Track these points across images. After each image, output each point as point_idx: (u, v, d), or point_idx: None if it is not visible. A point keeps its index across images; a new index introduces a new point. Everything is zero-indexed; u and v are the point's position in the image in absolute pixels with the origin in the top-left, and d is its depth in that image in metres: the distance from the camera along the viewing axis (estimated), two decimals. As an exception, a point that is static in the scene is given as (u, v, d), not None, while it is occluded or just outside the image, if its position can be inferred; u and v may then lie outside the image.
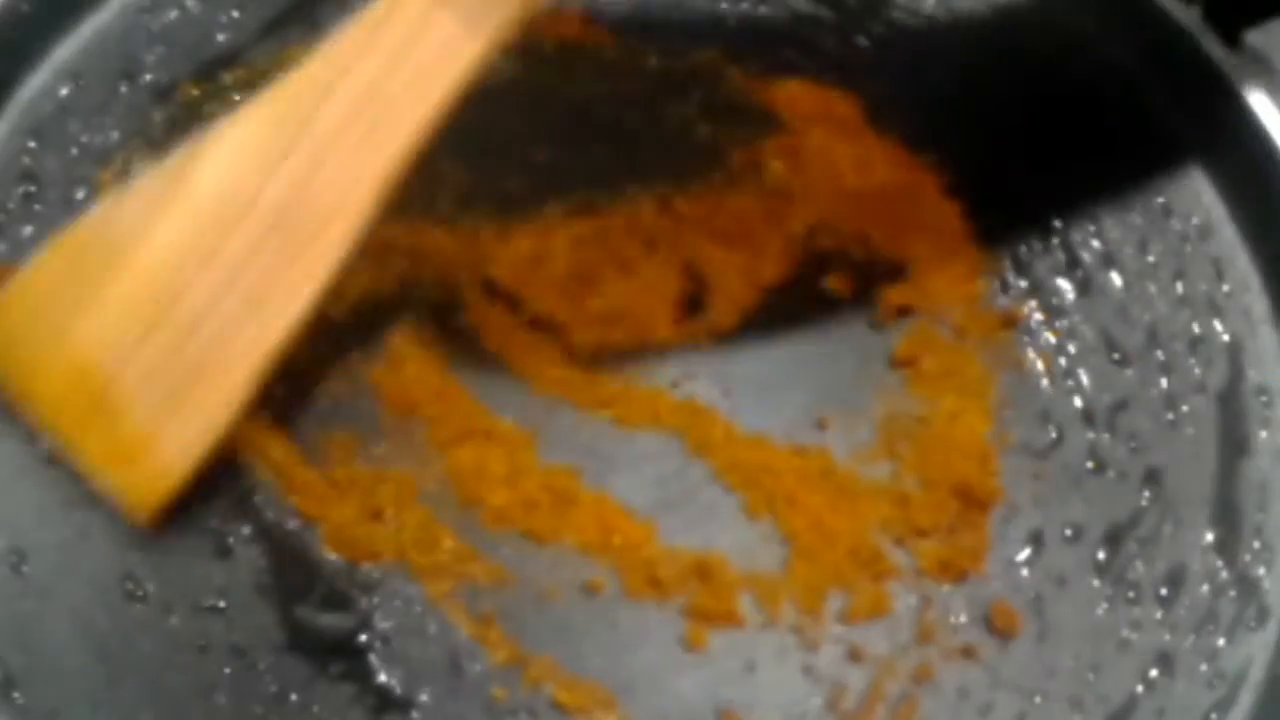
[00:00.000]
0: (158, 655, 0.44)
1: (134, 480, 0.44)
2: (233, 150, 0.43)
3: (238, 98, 0.51)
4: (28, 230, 0.49)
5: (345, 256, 0.43)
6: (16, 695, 0.43)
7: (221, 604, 0.45)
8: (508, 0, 0.42)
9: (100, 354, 0.43)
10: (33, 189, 0.50)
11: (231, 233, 0.42)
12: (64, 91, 0.51)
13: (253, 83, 0.52)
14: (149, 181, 0.43)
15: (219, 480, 0.46)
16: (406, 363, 0.48)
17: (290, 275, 0.43)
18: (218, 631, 0.44)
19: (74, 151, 0.50)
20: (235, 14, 0.53)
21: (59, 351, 0.43)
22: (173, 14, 0.53)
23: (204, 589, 0.45)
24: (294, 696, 0.44)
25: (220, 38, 0.52)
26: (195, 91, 0.52)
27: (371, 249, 0.49)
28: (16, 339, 0.44)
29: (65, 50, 0.52)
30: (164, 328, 0.42)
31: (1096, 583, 0.47)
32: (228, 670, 0.44)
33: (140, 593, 0.45)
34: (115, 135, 0.51)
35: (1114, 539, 0.47)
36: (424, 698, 0.44)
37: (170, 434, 0.43)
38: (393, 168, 0.43)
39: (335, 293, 0.48)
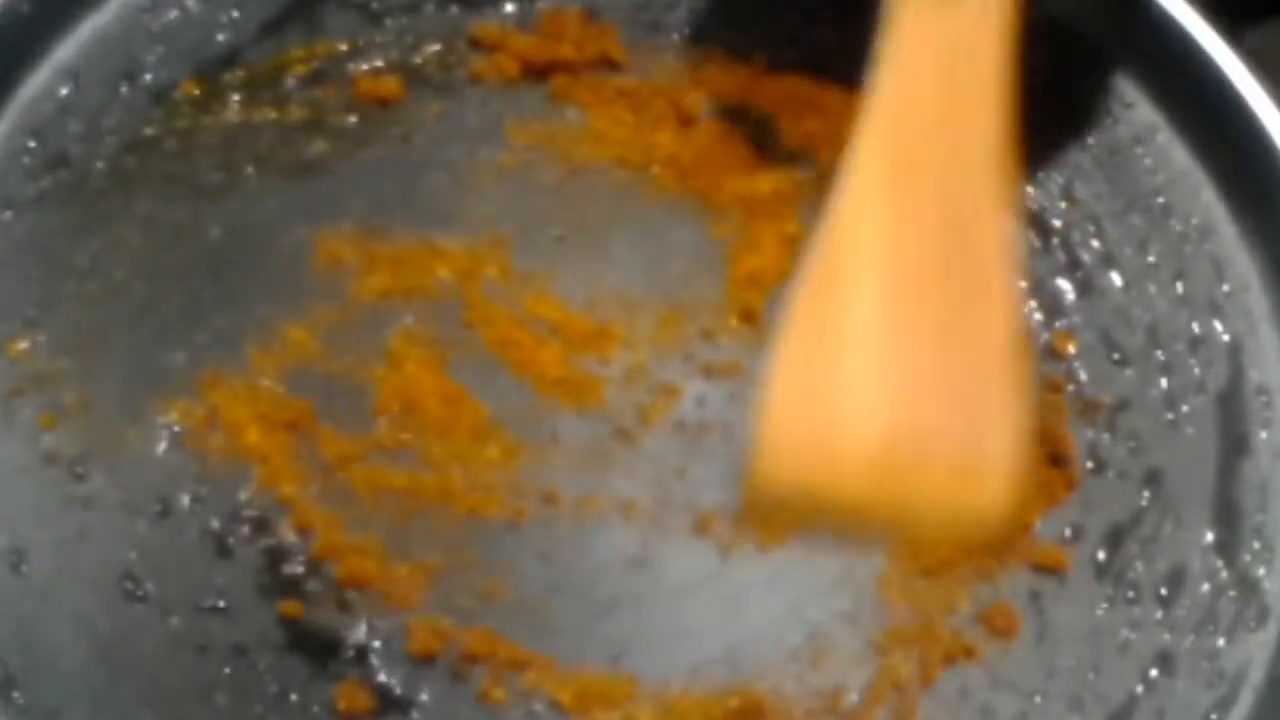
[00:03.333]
0: (158, 655, 0.44)
1: (981, 509, 0.40)
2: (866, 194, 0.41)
3: (237, 98, 0.51)
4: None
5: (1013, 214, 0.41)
6: (16, 695, 0.43)
7: (221, 604, 0.45)
8: None
9: (882, 420, 0.39)
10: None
11: (922, 253, 0.41)
12: (64, 91, 0.51)
13: (253, 83, 0.52)
14: (816, 261, 0.41)
15: (219, 480, 0.46)
16: (406, 363, 0.48)
17: (984, 253, 0.41)
18: (218, 631, 0.44)
19: (74, 151, 0.50)
20: (235, 14, 0.53)
21: (850, 442, 0.39)
22: (173, 14, 0.53)
23: (204, 589, 0.45)
24: (294, 696, 0.44)
25: (220, 38, 0.52)
26: (195, 91, 0.52)
27: (372, 250, 0.50)
28: (801, 452, 0.40)
29: (65, 50, 0.52)
30: (917, 364, 0.40)
31: (1096, 583, 0.47)
32: (228, 670, 0.44)
33: (140, 593, 0.45)
34: (115, 135, 0.51)
35: (1114, 539, 0.47)
36: (424, 698, 0.44)
37: (989, 447, 0.39)
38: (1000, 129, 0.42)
39: (336, 292, 0.49)
